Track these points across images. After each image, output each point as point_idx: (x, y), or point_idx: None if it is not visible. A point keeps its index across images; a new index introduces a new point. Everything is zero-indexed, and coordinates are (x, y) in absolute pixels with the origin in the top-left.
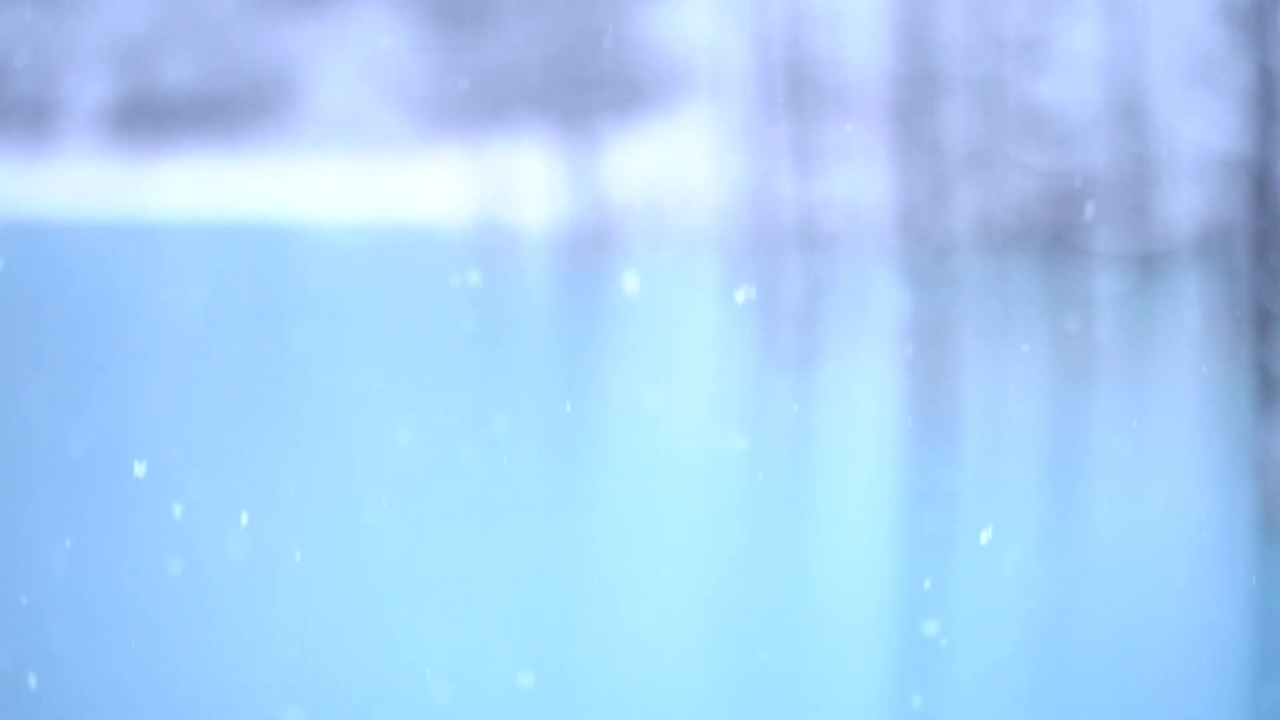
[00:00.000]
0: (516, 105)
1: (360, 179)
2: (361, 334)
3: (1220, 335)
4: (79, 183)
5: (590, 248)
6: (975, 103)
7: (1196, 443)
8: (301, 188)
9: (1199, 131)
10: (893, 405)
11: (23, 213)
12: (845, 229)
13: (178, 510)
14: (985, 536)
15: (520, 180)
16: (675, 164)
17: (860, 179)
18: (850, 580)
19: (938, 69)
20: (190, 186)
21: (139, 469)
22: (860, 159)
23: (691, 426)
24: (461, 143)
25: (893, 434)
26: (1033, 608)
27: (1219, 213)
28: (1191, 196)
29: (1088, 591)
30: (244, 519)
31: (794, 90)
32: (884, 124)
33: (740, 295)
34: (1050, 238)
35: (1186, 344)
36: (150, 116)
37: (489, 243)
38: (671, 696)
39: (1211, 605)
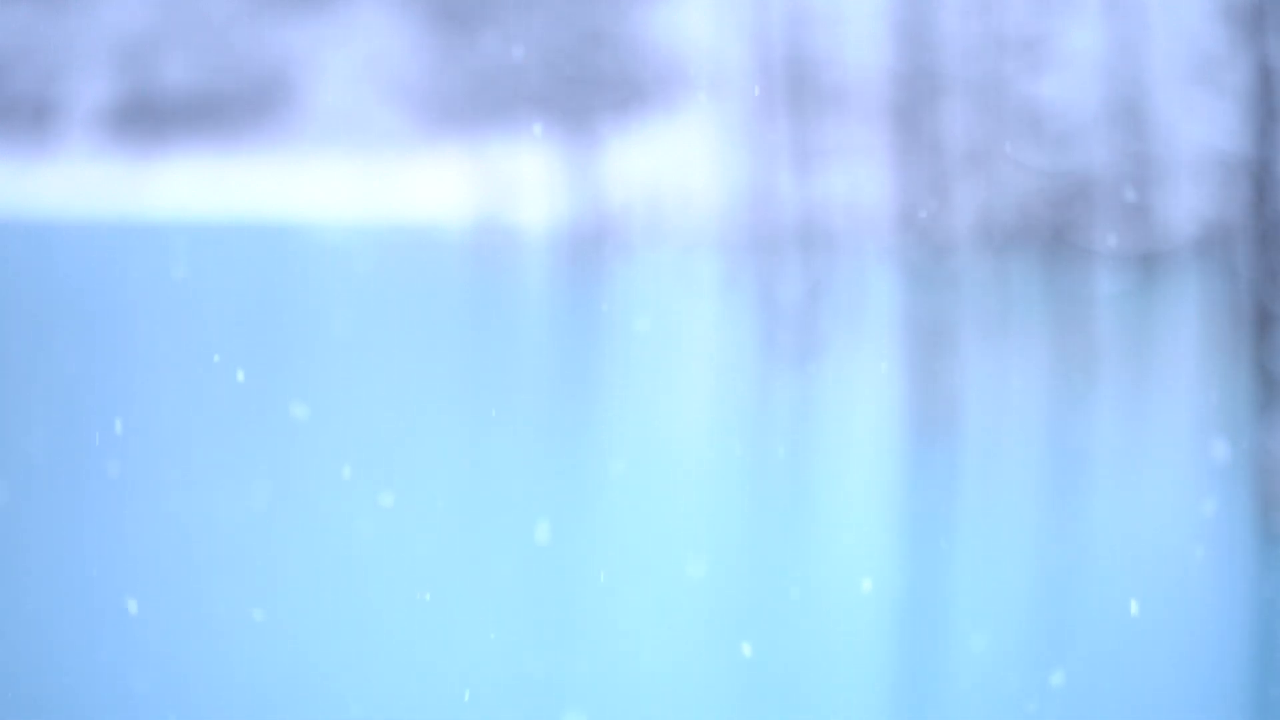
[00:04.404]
0: (516, 105)
1: (360, 179)
2: (361, 334)
3: (1220, 335)
4: (79, 183)
5: (590, 247)
6: (975, 102)
7: (1196, 443)
8: (301, 188)
9: (1199, 131)
10: (892, 404)
11: (23, 213)
12: (845, 229)
13: (177, 508)
14: (985, 535)
15: (520, 180)
16: (675, 164)
17: (860, 179)
18: (850, 577)
19: (938, 69)
20: (190, 186)
21: (139, 467)
22: (860, 159)
23: (692, 425)
24: (461, 143)
25: (893, 433)
26: (1032, 606)
27: (1219, 213)
28: (1191, 196)
29: (1087, 590)
30: (244, 516)
31: (794, 90)
32: (884, 124)
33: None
34: (1050, 237)
35: (1186, 344)
36: (150, 116)
37: (489, 243)
38: (672, 694)
39: (1211, 605)
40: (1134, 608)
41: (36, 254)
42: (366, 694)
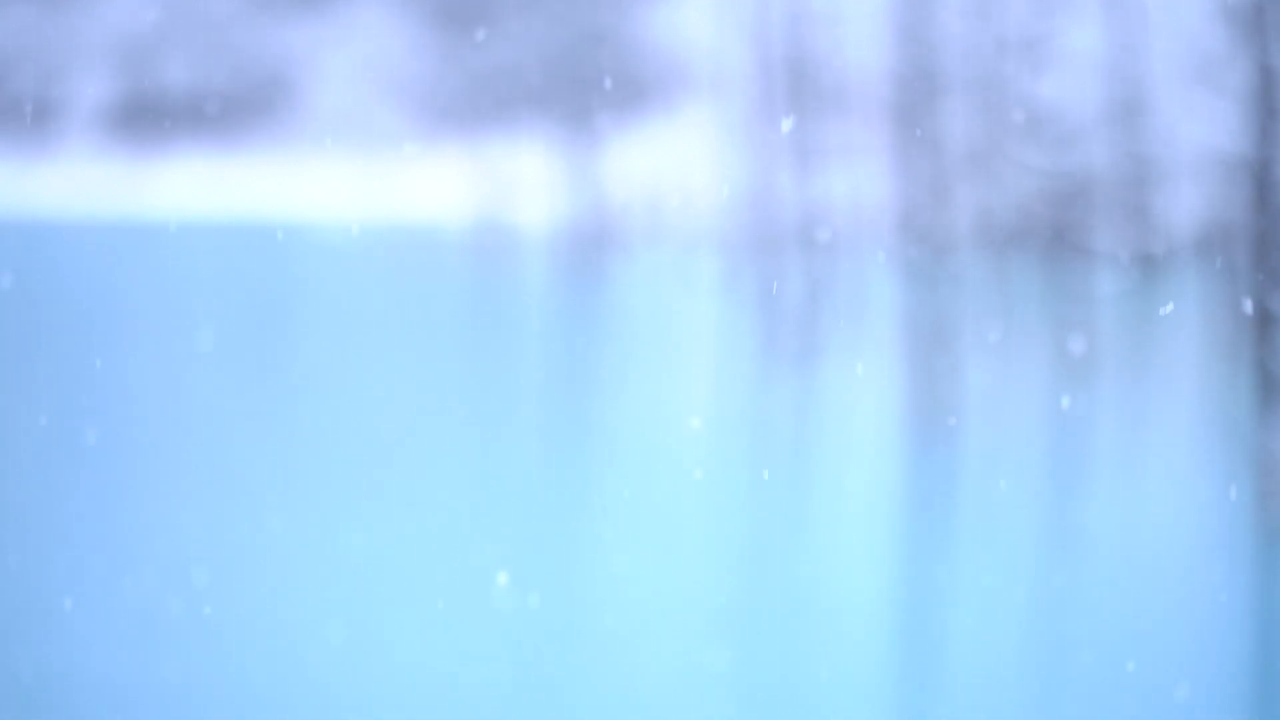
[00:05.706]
0: (516, 105)
1: (360, 179)
2: (362, 334)
3: (1220, 335)
4: (79, 183)
5: (590, 247)
6: (975, 103)
7: (1196, 443)
8: (301, 188)
9: (1199, 131)
10: (893, 404)
11: (23, 213)
12: (845, 229)
13: (179, 508)
14: (985, 534)
15: (520, 180)
16: (675, 164)
17: (860, 179)
18: (850, 578)
19: (938, 69)
20: (190, 186)
21: (140, 468)
22: (860, 159)
23: (692, 425)
24: (461, 143)
25: (893, 433)
26: (1032, 606)
27: (1219, 213)
28: (1191, 196)
29: (1087, 590)
30: (246, 516)
31: (794, 90)
32: (884, 124)
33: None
34: (1050, 237)
35: (1186, 344)
36: (150, 116)
37: (489, 243)
38: (673, 694)
39: (1211, 605)
40: (1134, 607)
41: (36, 254)
42: (365, 694)
